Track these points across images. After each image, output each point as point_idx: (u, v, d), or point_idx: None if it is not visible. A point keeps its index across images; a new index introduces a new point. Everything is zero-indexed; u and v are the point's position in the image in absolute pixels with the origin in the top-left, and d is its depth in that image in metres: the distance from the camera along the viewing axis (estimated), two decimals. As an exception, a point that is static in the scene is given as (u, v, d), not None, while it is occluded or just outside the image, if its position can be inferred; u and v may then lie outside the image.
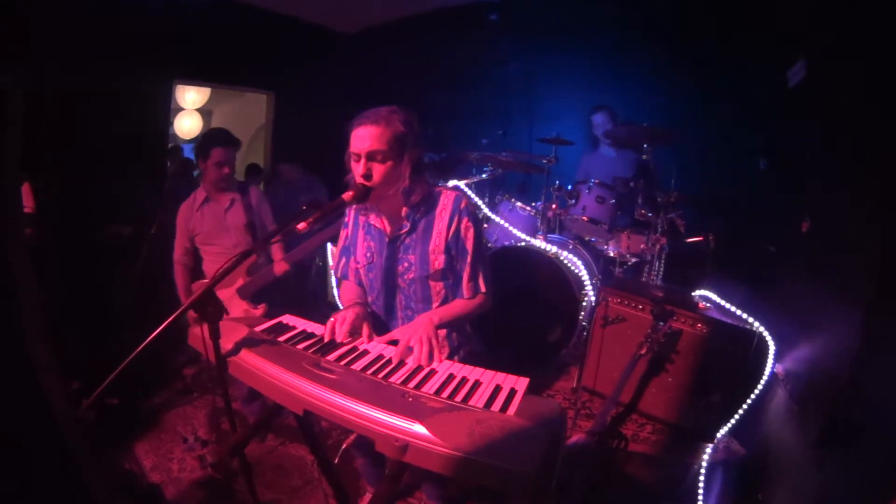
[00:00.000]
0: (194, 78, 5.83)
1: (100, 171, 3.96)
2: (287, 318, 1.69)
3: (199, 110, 7.66)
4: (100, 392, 1.22)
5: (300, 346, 1.46)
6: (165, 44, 4.43)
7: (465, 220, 1.75)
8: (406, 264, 1.78)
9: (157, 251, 3.34)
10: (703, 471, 2.41)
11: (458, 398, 1.21)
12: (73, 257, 3.63)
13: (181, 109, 7.44)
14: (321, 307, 4.53)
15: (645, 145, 3.56)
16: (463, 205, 1.76)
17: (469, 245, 1.76)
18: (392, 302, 1.85)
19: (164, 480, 2.54)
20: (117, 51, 4.03)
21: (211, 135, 2.89)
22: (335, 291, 4.38)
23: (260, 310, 2.85)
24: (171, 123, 6.94)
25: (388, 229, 1.80)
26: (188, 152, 7.02)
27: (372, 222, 1.83)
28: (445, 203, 1.76)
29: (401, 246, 1.78)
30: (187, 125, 7.49)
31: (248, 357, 1.36)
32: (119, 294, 3.63)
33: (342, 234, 1.96)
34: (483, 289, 1.80)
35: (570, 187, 3.87)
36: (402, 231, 1.77)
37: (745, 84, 3.82)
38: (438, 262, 1.75)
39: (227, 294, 2.87)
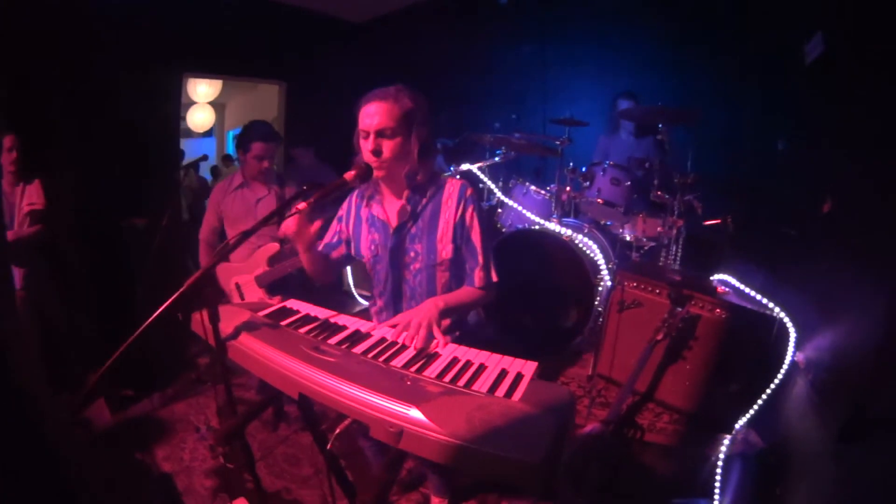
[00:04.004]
0: (204, 70, 5.83)
1: (111, 165, 3.98)
2: (291, 303, 1.67)
3: (211, 103, 7.69)
4: (98, 381, 1.19)
5: (301, 330, 1.43)
6: (174, 37, 4.41)
7: (469, 209, 1.73)
8: (413, 254, 1.76)
9: (170, 243, 3.35)
10: (720, 463, 2.35)
11: (461, 383, 1.15)
12: (88, 252, 3.66)
13: (193, 103, 7.48)
14: (336, 295, 4.50)
15: (660, 125, 3.45)
16: (468, 193, 1.74)
17: (476, 235, 1.74)
18: (398, 293, 1.83)
19: (175, 469, 2.56)
20: (126, 45, 4.03)
21: (252, 128, 2.89)
22: (350, 280, 4.37)
23: (275, 301, 2.84)
24: (183, 117, 6.99)
25: (393, 218, 1.77)
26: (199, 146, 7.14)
27: (375, 213, 1.80)
28: (451, 192, 1.74)
29: (407, 236, 1.75)
30: (199, 118, 7.54)
31: (246, 341, 1.32)
32: (135, 286, 3.65)
33: (334, 225, 1.94)
34: (495, 278, 1.77)
35: (584, 169, 3.79)
36: (407, 220, 1.74)
37: (763, 62, 3.70)
38: (446, 251, 1.72)
39: (245, 279, 2.87)
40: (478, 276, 1.74)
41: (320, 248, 1.92)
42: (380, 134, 1.60)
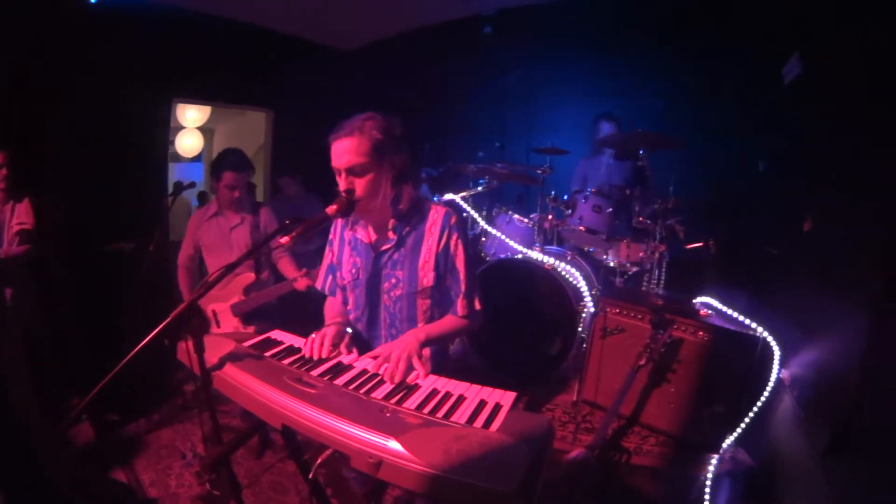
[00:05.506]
0: (193, 96, 5.86)
1: (100, 187, 3.99)
2: (275, 334, 1.67)
3: (200, 129, 7.72)
4: (84, 406, 1.19)
5: (285, 362, 1.44)
6: (164, 62, 4.48)
7: (454, 237, 1.71)
8: (393, 280, 1.73)
9: (157, 267, 3.35)
10: (708, 482, 2.37)
11: (440, 414, 1.17)
12: (75, 273, 3.65)
13: (182, 128, 7.50)
14: (320, 326, 4.47)
15: (641, 151, 3.52)
16: (453, 221, 1.72)
17: (460, 262, 1.72)
18: (376, 320, 1.80)
19: (161, 495, 2.53)
20: (117, 69, 4.09)
21: (224, 157, 2.90)
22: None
23: (250, 330, 2.83)
24: (171, 141, 7.01)
25: (375, 244, 1.75)
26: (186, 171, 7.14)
27: (358, 236, 1.78)
28: (435, 218, 1.72)
29: (388, 261, 1.73)
30: (188, 143, 7.55)
31: (231, 371, 1.34)
32: (122, 310, 3.64)
33: (327, 251, 1.91)
34: (478, 307, 1.76)
35: (565, 197, 3.85)
36: (389, 245, 1.72)
37: (742, 85, 3.80)
38: (427, 279, 1.70)
39: (222, 307, 2.87)
40: (461, 305, 1.72)
41: (326, 290, 1.90)
42: (350, 172, 1.57)
